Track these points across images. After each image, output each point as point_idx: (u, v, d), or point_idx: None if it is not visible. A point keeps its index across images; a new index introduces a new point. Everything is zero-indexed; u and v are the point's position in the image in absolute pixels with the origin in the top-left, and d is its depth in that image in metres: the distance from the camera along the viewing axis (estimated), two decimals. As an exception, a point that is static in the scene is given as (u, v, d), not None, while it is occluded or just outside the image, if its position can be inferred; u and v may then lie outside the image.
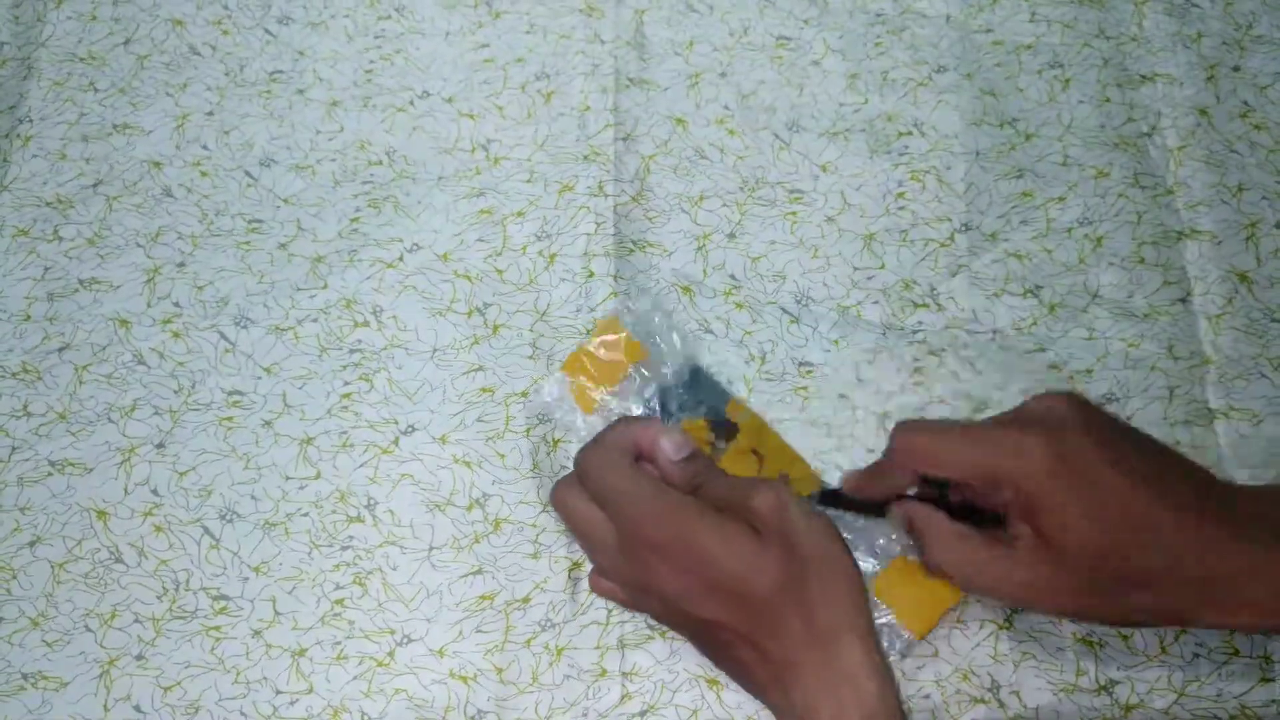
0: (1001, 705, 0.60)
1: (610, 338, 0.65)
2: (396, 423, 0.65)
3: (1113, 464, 0.49)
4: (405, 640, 0.61)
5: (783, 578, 0.51)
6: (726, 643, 0.53)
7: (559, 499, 0.57)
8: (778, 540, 0.51)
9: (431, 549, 0.63)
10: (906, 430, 0.54)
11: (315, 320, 0.67)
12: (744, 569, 0.51)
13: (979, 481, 0.51)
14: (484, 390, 0.66)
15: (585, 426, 0.64)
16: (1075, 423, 0.50)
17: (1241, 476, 0.64)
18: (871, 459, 0.64)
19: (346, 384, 0.66)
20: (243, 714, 0.59)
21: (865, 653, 0.50)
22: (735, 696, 0.60)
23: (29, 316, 0.67)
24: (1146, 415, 0.65)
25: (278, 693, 0.60)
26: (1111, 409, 0.65)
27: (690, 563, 0.52)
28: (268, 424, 0.65)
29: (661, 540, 0.52)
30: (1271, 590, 0.48)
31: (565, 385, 0.65)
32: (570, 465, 0.64)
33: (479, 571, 0.62)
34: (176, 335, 0.67)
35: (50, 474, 0.64)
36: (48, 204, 0.70)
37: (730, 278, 0.68)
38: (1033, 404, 0.52)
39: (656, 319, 0.65)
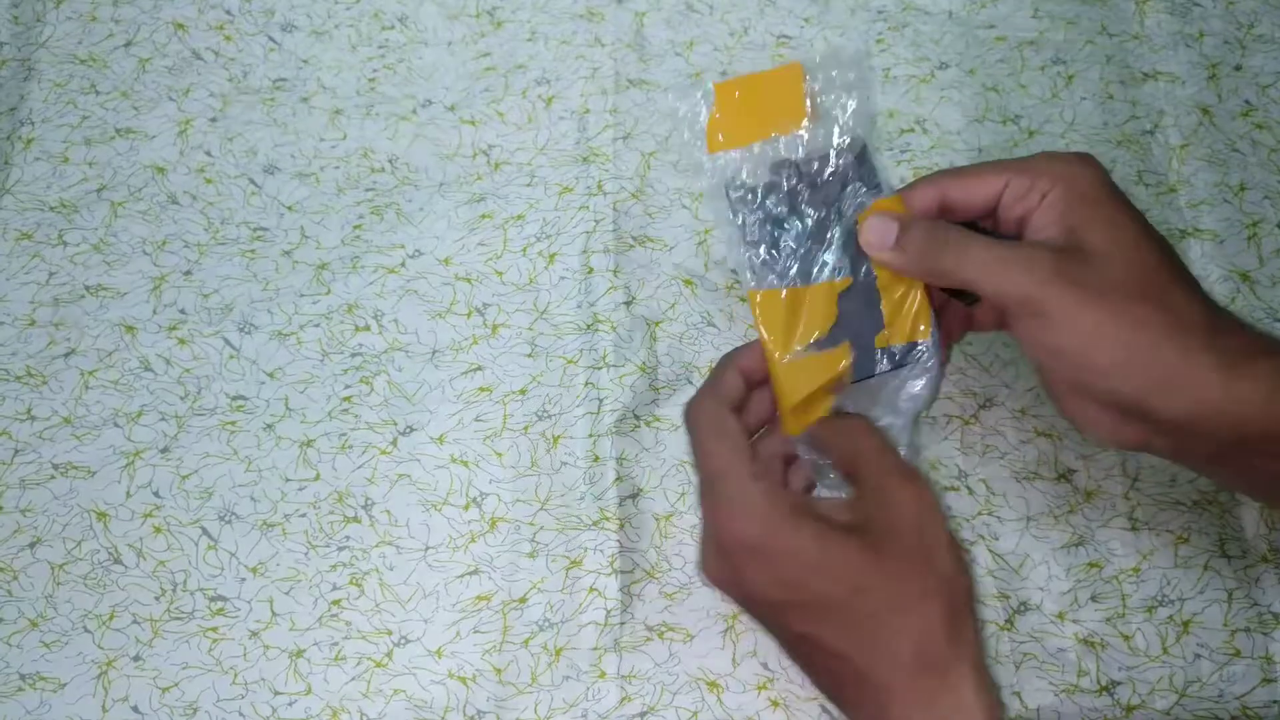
0: (1002, 707, 0.59)
1: (786, 79, 0.53)
2: (395, 424, 0.65)
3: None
4: (403, 641, 0.61)
5: (898, 599, 0.46)
6: (820, 657, 0.49)
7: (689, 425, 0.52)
8: (904, 556, 0.47)
9: (428, 549, 0.62)
10: (915, 185, 0.51)
11: (318, 325, 0.68)
12: (846, 591, 0.47)
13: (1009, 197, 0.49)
14: (482, 389, 0.66)
15: (710, 167, 0.53)
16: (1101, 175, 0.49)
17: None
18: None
19: (347, 387, 0.66)
20: (241, 715, 0.59)
21: (977, 690, 0.46)
22: (735, 698, 0.60)
23: (34, 321, 0.68)
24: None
25: (276, 694, 0.60)
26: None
27: (785, 573, 0.48)
28: (269, 427, 0.65)
29: (752, 540, 0.48)
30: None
31: (703, 106, 0.54)
32: (569, 462, 0.64)
33: (475, 571, 0.62)
34: (182, 342, 0.67)
35: (53, 477, 0.64)
36: (51, 208, 0.70)
37: (732, 272, 0.68)
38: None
39: (847, 78, 0.53)
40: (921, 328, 0.51)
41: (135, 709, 0.60)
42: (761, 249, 0.52)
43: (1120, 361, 0.46)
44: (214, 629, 0.61)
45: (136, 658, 0.60)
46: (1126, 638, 0.60)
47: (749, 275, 0.52)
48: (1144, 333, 0.45)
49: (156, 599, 0.62)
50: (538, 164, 0.72)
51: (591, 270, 0.68)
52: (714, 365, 0.53)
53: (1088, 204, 0.48)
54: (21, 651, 0.61)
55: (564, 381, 0.66)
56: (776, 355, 0.51)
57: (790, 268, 0.52)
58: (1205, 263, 0.68)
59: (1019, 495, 0.63)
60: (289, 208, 0.71)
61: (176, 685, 0.60)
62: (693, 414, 0.51)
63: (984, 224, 0.51)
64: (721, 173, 0.53)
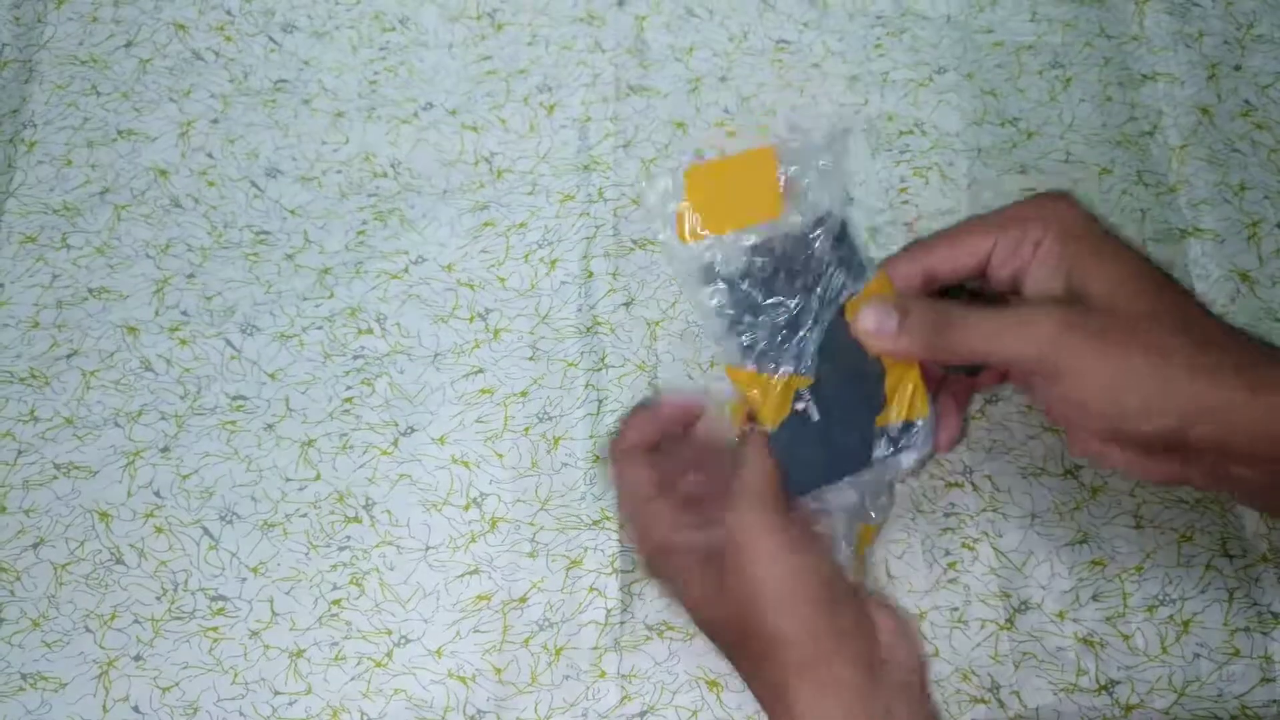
0: (1002, 705, 0.59)
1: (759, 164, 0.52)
2: (396, 425, 0.65)
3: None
4: (403, 640, 0.61)
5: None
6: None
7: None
8: (729, 580, 0.49)
9: (428, 549, 0.63)
10: (896, 260, 0.50)
11: (320, 328, 0.68)
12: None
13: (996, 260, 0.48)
14: (483, 391, 0.66)
15: (684, 255, 0.52)
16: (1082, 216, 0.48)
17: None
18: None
19: (349, 388, 0.66)
20: (241, 714, 0.60)
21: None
22: (736, 698, 0.60)
23: (37, 323, 0.68)
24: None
25: (276, 693, 0.60)
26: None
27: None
28: (270, 427, 0.65)
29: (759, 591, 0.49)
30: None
31: (675, 198, 0.52)
32: (569, 463, 0.64)
33: (475, 571, 0.62)
34: (184, 343, 0.68)
35: (56, 477, 0.64)
36: (55, 211, 0.71)
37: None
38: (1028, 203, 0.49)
39: (820, 164, 0.51)
40: (919, 405, 0.51)
41: (136, 709, 0.60)
42: (735, 335, 0.51)
43: (1153, 398, 0.45)
44: (214, 629, 0.61)
45: (137, 657, 0.61)
46: (1126, 637, 0.60)
47: (724, 356, 0.52)
48: (1171, 372, 0.44)
49: (158, 599, 0.62)
50: (539, 172, 0.72)
51: (592, 274, 0.69)
52: (614, 463, 0.54)
53: (1083, 243, 0.47)
54: (23, 651, 0.61)
55: (564, 384, 0.66)
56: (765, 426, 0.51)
57: (763, 354, 0.51)
58: (1205, 263, 0.68)
59: (1024, 491, 0.63)
60: (291, 211, 0.71)
61: (177, 685, 0.60)
62: (608, 457, 0.53)
63: (971, 284, 0.50)
64: (695, 260, 0.51)
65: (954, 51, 0.74)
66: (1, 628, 0.61)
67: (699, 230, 0.51)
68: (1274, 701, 0.59)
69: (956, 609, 0.61)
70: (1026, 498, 0.63)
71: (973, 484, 0.64)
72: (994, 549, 0.62)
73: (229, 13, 0.76)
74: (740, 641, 0.49)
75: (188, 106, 0.74)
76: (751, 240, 0.51)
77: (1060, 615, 0.61)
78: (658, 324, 0.67)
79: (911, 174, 0.70)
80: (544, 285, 0.69)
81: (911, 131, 0.72)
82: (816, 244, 0.51)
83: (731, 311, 0.51)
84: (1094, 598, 0.61)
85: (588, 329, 0.67)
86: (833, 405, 0.51)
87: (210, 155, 0.72)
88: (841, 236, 0.51)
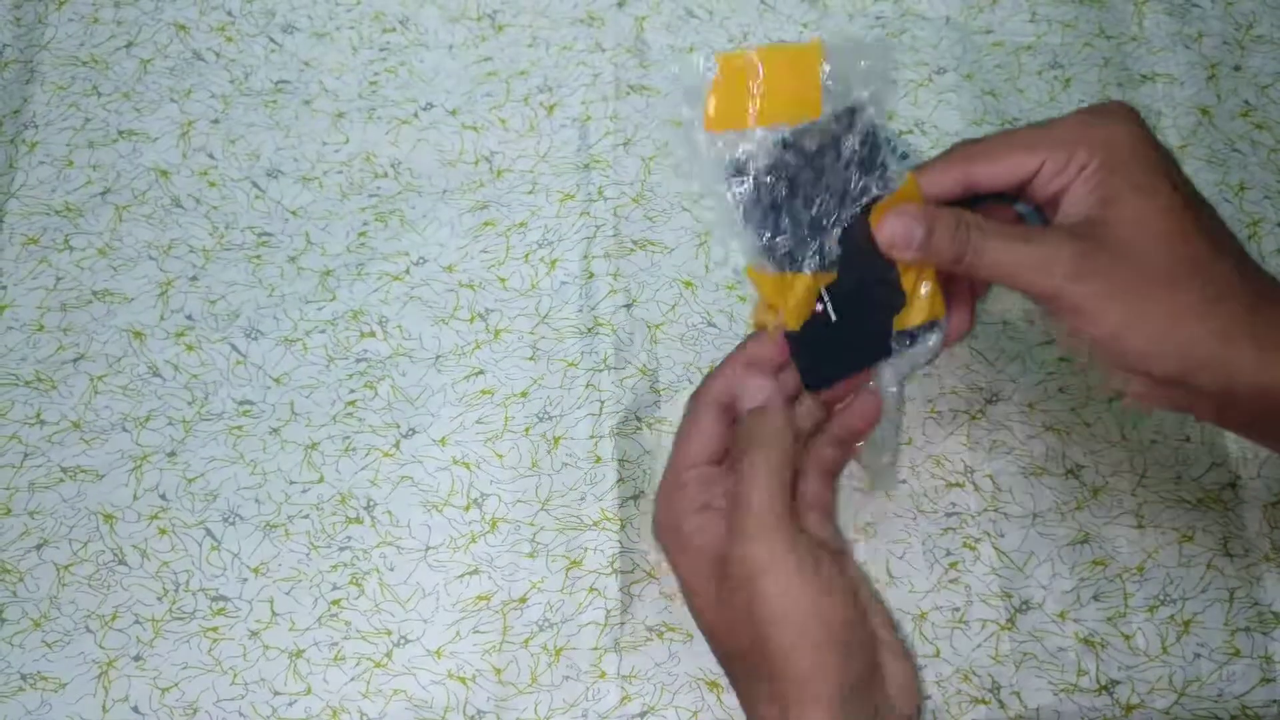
0: (1002, 706, 0.59)
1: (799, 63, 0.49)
2: (398, 427, 0.65)
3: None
4: (403, 641, 0.61)
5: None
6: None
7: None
8: (737, 603, 0.48)
9: (428, 549, 0.63)
10: (933, 166, 0.49)
11: (323, 331, 0.68)
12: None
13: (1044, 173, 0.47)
14: (484, 392, 0.66)
15: (706, 143, 0.50)
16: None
17: (1249, 474, 0.63)
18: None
19: (352, 391, 0.66)
20: (241, 715, 0.60)
21: None
22: (736, 698, 0.59)
23: (42, 326, 0.68)
24: (1153, 413, 0.64)
25: (275, 694, 0.60)
26: (1118, 406, 0.65)
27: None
28: (275, 431, 0.66)
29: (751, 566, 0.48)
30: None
31: (706, 82, 0.50)
32: (569, 463, 0.64)
33: (475, 571, 0.62)
34: (190, 348, 0.68)
35: (61, 480, 0.65)
36: (57, 212, 0.71)
37: (733, 272, 0.68)
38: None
39: (863, 64, 0.49)
40: (937, 306, 0.51)
41: (135, 709, 0.60)
42: (757, 232, 0.50)
43: (1154, 346, 0.45)
44: (214, 629, 0.61)
45: (137, 658, 0.61)
46: (1127, 637, 0.60)
47: (745, 255, 0.51)
48: (1178, 321, 0.45)
49: (159, 599, 0.62)
50: (539, 171, 0.72)
51: (592, 275, 0.69)
52: (686, 415, 0.52)
53: (1124, 176, 0.46)
54: (23, 651, 0.61)
55: (565, 384, 0.66)
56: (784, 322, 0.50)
57: (782, 252, 0.50)
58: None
59: (1026, 491, 0.63)
60: (293, 213, 0.71)
61: (176, 685, 0.60)
62: (689, 401, 0.52)
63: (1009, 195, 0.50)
64: (720, 152, 0.49)
65: (954, 52, 0.74)
66: (3, 628, 0.61)
67: (726, 119, 0.49)
68: (1274, 701, 0.58)
69: (958, 609, 0.61)
70: (1028, 497, 0.63)
71: (974, 484, 0.64)
72: (995, 549, 0.62)
73: (230, 13, 0.77)
74: (742, 655, 0.49)
75: (189, 107, 0.74)
76: (781, 135, 0.49)
77: (1061, 615, 0.61)
78: (658, 326, 0.67)
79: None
80: (544, 285, 0.69)
81: (911, 131, 0.72)
82: (847, 144, 0.49)
83: (754, 208, 0.50)
84: (1095, 598, 0.61)
85: (588, 329, 0.67)
86: (852, 305, 0.50)
87: (211, 156, 0.73)
88: (873, 139, 0.49)
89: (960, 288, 0.52)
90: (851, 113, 0.49)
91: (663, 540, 0.51)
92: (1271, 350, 0.45)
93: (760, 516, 0.47)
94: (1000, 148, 0.48)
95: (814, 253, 0.50)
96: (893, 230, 0.48)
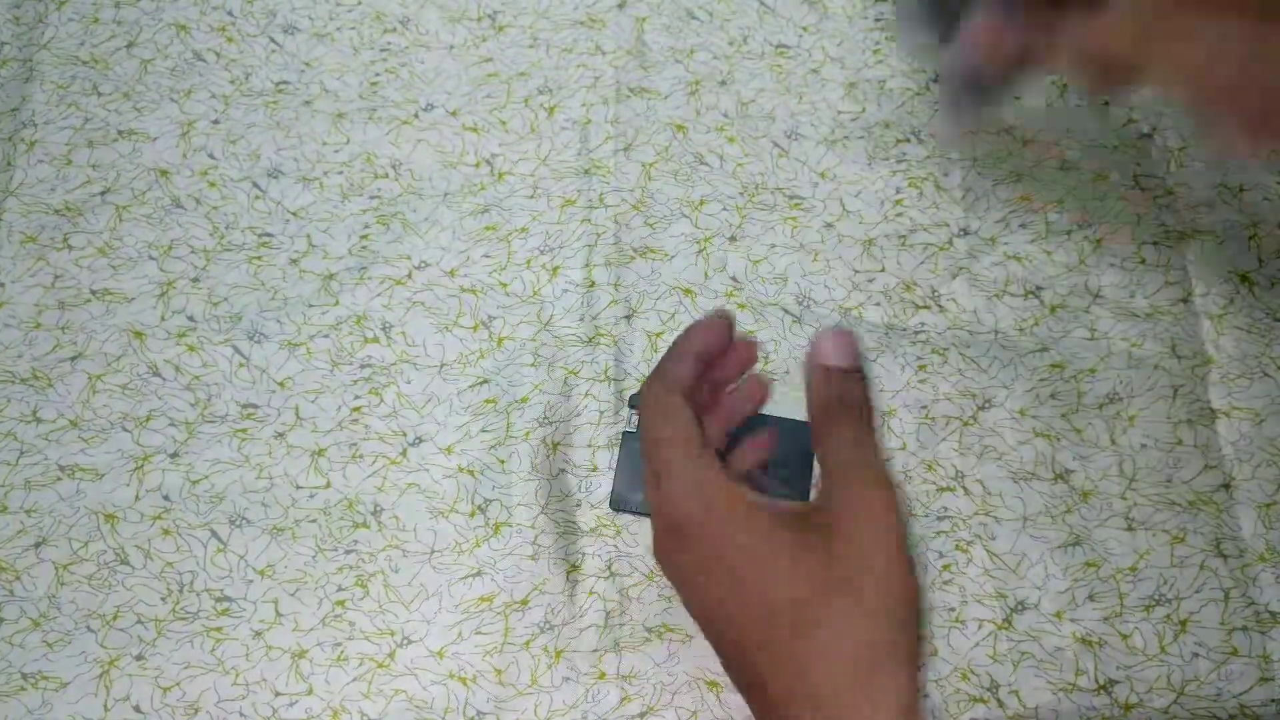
0: (1000, 705, 0.59)
1: None
2: (405, 435, 0.66)
3: None
4: (405, 641, 0.61)
5: (839, 618, 0.44)
6: (730, 654, 0.49)
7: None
8: (857, 568, 0.45)
9: (433, 552, 0.63)
10: None
11: (327, 336, 0.68)
12: (786, 599, 0.45)
13: None
14: (488, 401, 0.66)
15: None
16: None
17: (1244, 475, 0.63)
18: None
19: (357, 398, 0.66)
20: (242, 715, 0.60)
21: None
22: (735, 698, 0.60)
23: (39, 324, 0.68)
24: (1150, 414, 0.65)
25: (277, 694, 0.60)
26: (1115, 408, 0.65)
27: (727, 564, 0.46)
28: (280, 435, 0.66)
29: (697, 523, 0.47)
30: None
31: None
32: (566, 468, 0.64)
33: (478, 574, 0.62)
34: (191, 349, 0.68)
35: (59, 478, 0.64)
36: (55, 211, 0.71)
37: (732, 279, 0.69)
38: None
39: None
40: None
41: (137, 708, 0.60)
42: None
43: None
44: (218, 629, 0.61)
45: (139, 657, 0.61)
46: (1124, 636, 0.60)
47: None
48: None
49: (162, 599, 0.62)
50: (540, 175, 0.72)
51: (594, 284, 0.69)
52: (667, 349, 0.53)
53: None
54: (24, 650, 0.61)
55: (565, 390, 0.66)
56: None
57: None
58: (1205, 263, 0.68)
59: (1016, 495, 0.64)
60: (294, 214, 0.71)
61: (178, 685, 0.60)
62: (642, 400, 0.51)
63: None
64: None
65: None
66: (1, 627, 0.61)
67: None
68: (1273, 700, 0.59)
69: (953, 609, 0.61)
70: (1018, 501, 0.64)
71: (964, 488, 0.64)
72: (987, 551, 0.63)
73: (230, 14, 0.76)
74: (821, 620, 0.45)
75: (189, 107, 0.74)
76: None
77: (1058, 615, 0.61)
78: (658, 335, 0.68)
79: (907, 184, 0.71)
80: (546, 292, 0.69)
81: (908, 140, 0.72)
82: None
83: None
84: (1090, 598, 0.61)
85: (589, 339, 0.67)
86: None
87: (211, 156, 0.73)
88: None
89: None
90: None
91: (697, 522, 0.47)
92: None
93: (879, 470, 0.47)
94: None
95: None
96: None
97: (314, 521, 0.64)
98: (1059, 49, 0.46)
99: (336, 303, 0.69)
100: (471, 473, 0.65)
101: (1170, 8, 0.44)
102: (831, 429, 0.48)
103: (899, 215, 0.70)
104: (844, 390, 0.49)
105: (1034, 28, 0.46)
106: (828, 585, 0.45)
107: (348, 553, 0.63)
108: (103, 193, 0.71)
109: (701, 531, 0.47)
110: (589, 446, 0.65)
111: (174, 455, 0.65)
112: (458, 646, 0.61)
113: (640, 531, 0.63)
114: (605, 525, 0.63)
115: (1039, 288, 0.68)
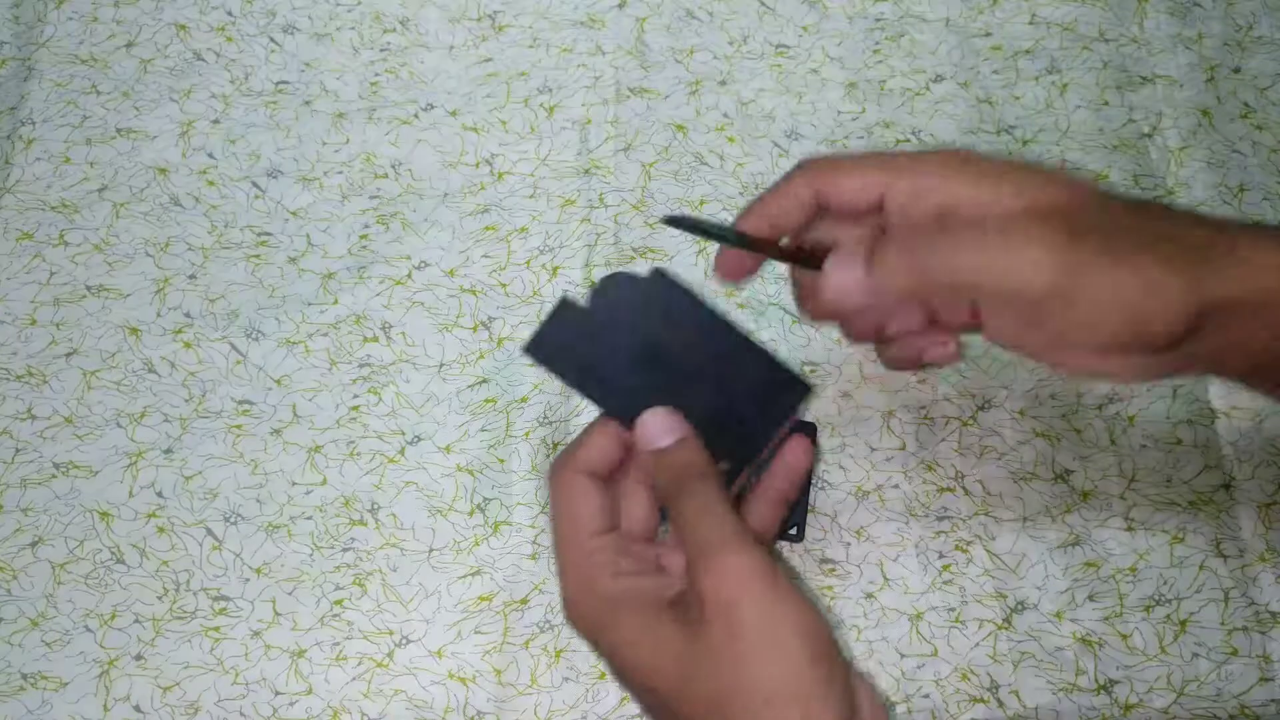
0: (1000, 705, 0.59)
1: None
2: (403, 434, 0.65)
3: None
4: (404, 641, 0.61)
5: (729, 685, 0.42)
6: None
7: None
8: (730, 635, 0.42)
9: (431, 551, 0.63)
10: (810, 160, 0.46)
11: (325, 335, 0.68)
12: (673, 683, 0.43)
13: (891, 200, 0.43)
14: (487, 401, 0.66)
15: None
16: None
17: (1244, 475, 0.63)
18: (875, 454, 0.64)
19: (355, 396, 0.66)
20: (242, 714, 0.59)
21: None
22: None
23: (34, 320, 0.68)
24: (1150, 414, 0.65)
25: (277, 693, 0.60)
26: (1114, 409, 0.65)
27: (616, 661, 0.45)
28: (276, 432, 0.65)
29: (587, 623, 0.45)
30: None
31: None
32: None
33: (477, 573, 0.62)
34: (188, 345, 0.67)
35: (54, 476, 0.64)
36: (52, 208, 0.71)
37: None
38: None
39: None
40: None
41: (137, 708, 0.60)
42: None
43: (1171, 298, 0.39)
44: (216, 628, 0.61)
45: (138, 657, 0.60)
46: (1124, 636, 0.60)
47: None
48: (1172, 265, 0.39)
49: (159, 598, 0.62)
50: (540, 175, 0.72)
51: (594, 284, 0.68)
52: (555, 488, 0.48)
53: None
54: (23, 651, 0.61)
55: (564, 390, 0.66)
56: None
57: None
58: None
59: (1016, 496, 0.64)
60: (293, 213, 0.71)
61: (178, 684, 0.60)
62: (550, 475, 0.48)
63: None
64: None
65: (951, 58, 0.74)
66: (0, 627, 0.61)
67: None
68: (1273, 700, 0.59)
69: (954, 609, 0.61)
70: (1018, 501, 0.64)
71: (964, 488, 0.64)
72: (987, 551, 0.62)
73: (230, 14, 0.76)
74: (726, 700, 0.43)
75: (188, 106, 0.74)
76: None
77: (1058, 615, 0.61)
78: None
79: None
80: (546, 293, 0.69)
81: (908, 140, 0.72)
82: None
83: None
84: (1090, 598, 0.61)
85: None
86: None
87: (211, 155, 0.72)
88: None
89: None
90: None
91: (585, 621, 0.46)
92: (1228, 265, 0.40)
93: (726, 537, 0.43)
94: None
95: None
96: (838, 278, 0.44)
97: (309, 519, 0.63)
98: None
99: (336, 302, 0.69)
100: (471, 472, 0.64)
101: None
102: (680, 508, 0.45)
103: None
104: (679, 461, 0.47)
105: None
106: (715, 670, 0.42)
107: (345, 550, 0.63)
108: (100, 190, 0.71)
109: (588, 634, 0.45)
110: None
111: (168, 451, 0.65)
112: (457, 646, 0.61)
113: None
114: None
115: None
